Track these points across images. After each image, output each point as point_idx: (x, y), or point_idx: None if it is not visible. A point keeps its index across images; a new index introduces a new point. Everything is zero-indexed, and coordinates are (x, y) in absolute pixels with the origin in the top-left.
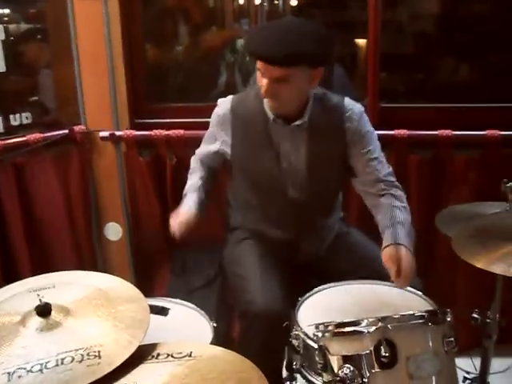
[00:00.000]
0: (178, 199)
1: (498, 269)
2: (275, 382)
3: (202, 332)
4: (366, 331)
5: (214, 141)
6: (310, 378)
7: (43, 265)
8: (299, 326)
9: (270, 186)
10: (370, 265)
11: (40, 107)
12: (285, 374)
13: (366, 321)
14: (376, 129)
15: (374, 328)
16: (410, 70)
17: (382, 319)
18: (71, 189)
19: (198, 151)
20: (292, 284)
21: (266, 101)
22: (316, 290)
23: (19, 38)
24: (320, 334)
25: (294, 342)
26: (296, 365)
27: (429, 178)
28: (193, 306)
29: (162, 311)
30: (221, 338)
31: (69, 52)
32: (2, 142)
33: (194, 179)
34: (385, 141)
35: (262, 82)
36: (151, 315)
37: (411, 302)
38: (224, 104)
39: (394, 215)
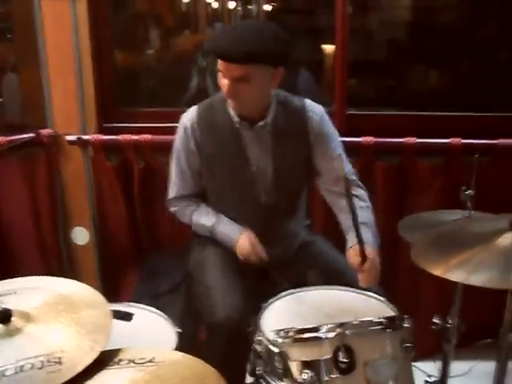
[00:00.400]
0: (145, 204)
1: (454, 276)
2: None
3: (166, 337)
4: (324, 337)
5: (187, 161)
6: (272, 383)
7: (9, 269)
8: (261, 332)
9: (240, 191)
10: (334, 277)
11: (5, 110)
12: (249, 379)
13: (325, 327)
14: (343, 136)
15: (332, 334)
16: (380, 77)
17: (341, 325)
18: (38, 192)
19: (176, 193)
20: (258, 290)
21: (229, 102)
22: (280, 295)
23: None
24: (280, 340)
25: (257, 348)
26: (259, 370)
27: (395, 185)
28: (157, 311)
29: (125, 316)
30: (186, 343)
31: (35, 54)
32: None
33: (203, 210)
34: (351, 148)
35: (224, 82)
36: (115, 321)
37: (373, 307)
38: (187, 119)
39: (357, 219)
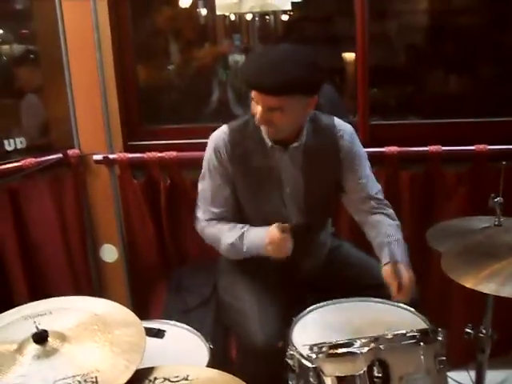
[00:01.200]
0: (172, 221)
1: (485, 288)
2: None
3: (198, 354)
4: (359, 352)
5: (215, 181)
6: None
7: (39, 289)
8: (294, 346)
9: (273, 210)
10: (367, 273)
11: (34, 131)
12: None
13: (358, 342)
14: (366, 146)
15: (366, 349)
16: (400, 84)
17: (375, 340)
18: (66, 212)
19: (207, 216)
20: (289, 304)
21: (263, 128)
22: (310, 308)
23: (13, 60)
24: (314, 356)
25: (290, 362)
26: None
27: (420, 194)
28: (188, 327)
29: (157, 334)
30: (217, 358)
31: (61, 75)
32: None
33: (233, 229)
34: (375, 158)
35: (257, 109)
36: (147, 338)
37: (405, 319)
38: (218, 139)
39: (389, 234)
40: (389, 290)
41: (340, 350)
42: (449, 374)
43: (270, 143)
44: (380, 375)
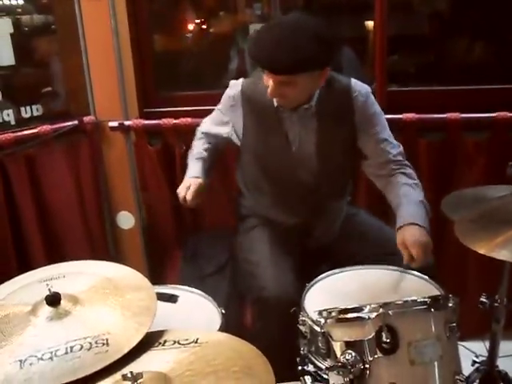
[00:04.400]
0: None
1: (500, 255)
2: (291, 366)
3: (211, 319)
4: (367, 317)
5: (224, 124)
6: (316, 363)
7: (56, 254)
8: (306, 312)
9: (280, 170)
10: (381, 245)
11: (50, 99)
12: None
13: (368, 307)
14: (384, 113)
15: (375, 314)
16: (424, 52)
17: (384, 305)
18: (82, 179)
19: (205, 126)
20: (303, 270)
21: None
22: (324, 275)
23: (32, 30)
24: (323, 321)
25: (301, 328)
26: (303, 350)
27: (438, 162)
28: (202, 293)
29: (171, 299)
30: (231, 325)
31: (77, 43)
32: (13, 135)
33: (199, 148)
34: (393, 125)
35: (268, 82)
36: (161, 303)
37: (419, 286)
38: (235, 86)
39: (406, 193)
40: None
41: (349, 315)
42: (464, 343)
43: (276, 103)
44: (388, 341)
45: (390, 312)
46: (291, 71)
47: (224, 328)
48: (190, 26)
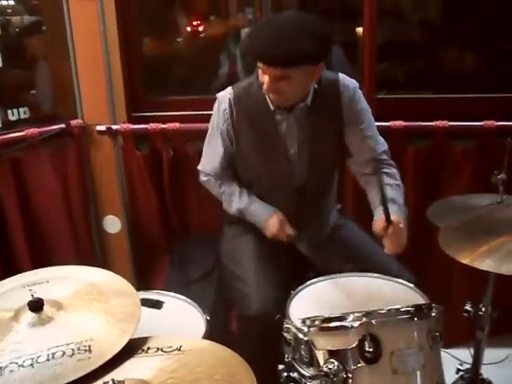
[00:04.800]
0: (175, 192)
1: (483, 265)
2: (275, 373)
3: (195, 325)
4: (350, 326)
5: (222, 141)
6: (300, 370)
7: (42, 258)
8: (290, 319)
9: (276, 174)
10: (370, 257)
11: (38, 102)
12: (280, 366)
13: (351, 316)
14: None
15: (358, 323)
16: (413, 59)
17: (367, 314)
18: (69, 183)
19: (207, 168)
20: (289, 276)
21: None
22: (309, 282)
23: (21, 31)
24: (306, 329)
25: (286, 335)
26: (288, 357)
27: (425, 169)
28: (187, 299)
29: (156, 304)
30: (216, 331)
31: (65, 46)
32: (0, 138)
33: (238, 190)
34: (381, 132)
35: (264, 78)
36: (146, 309)
37: (403, 295)
38: (224, 98)
39: (385, 193)
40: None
41: (332, 324)
42: (449, 351)
43: (272, 107)
44: (371, 350)
45: (373, 321)
46: (287, 64)
47: (208, 335)
48: (181, 30)
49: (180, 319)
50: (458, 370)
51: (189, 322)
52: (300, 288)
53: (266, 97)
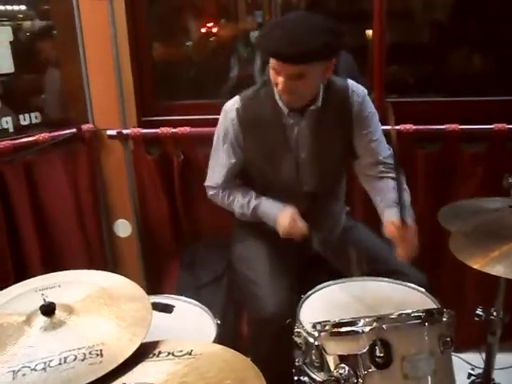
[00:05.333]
0: (185, 196)
1: (494, 270)
2: (286, 378)
3: (206, 329)
4: (361, 331)
5: (231, 150)
6: (311, 374)
7: (54, 262)
8: (301, 324)
9: (288, 182)
10: (379, 258)
11: (49, 106)
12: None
13: (362, 321)
14: (382, 124)
15: (369, 328)
16: (423, 62)
17: (378, 319)
18: (80, 187)
19: (213, 181)
20: (301, 279)
21: (278, 96)
22: (320, 286)
23: (32, 36)
24: (317, 334)
25: (296, 340)
26: (298, 361)
27: (436, 173)
28: (197, 303)
29: (166, 309)
30: (226, 335)
31: (76, 50)
32: (12, 142)
33: (247, 195)
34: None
35: (278, 79)
36: (156, 313)
37: (414, 299)
38: (231, 109)
39: (393, 198)
40: (399, 276)
41: (343, 329)
42: (461, 355)
43: (286, 110)
44: (382, 355)
45: (383, 326)
46: (304, 60)
47: (219, 339)
48: (191, 34)
49: (191, 323)
50: (470, 375)
51: (199, 326)
52: (310, 292)
53: (278, 101)
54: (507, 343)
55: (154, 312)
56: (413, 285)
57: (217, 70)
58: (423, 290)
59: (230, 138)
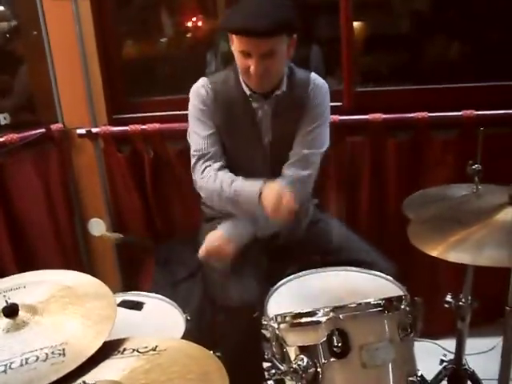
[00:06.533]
0: (158, 193)
1: (451, 257)
2: (257, 373)
3: (175, 325)
4: (319, 321)
5: (206, 122)
6: (279, 366)
7: (28, 264)
8: (268, 316)
9: (252, 165)
10: (348, 249)
11: (18, 107)
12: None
13: (321, 311)
14: (352, 113)
15: (326, 318)
16: (399, 51)
17: (335, 309)
18: (52, 187)
19: (197, 153)
20: (269, 272)
21: (242, 80)
22: (288, 278)
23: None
24: (276, 326)
25: (265, 332)
26: (267, 354)
27: (406, 162)
28: (167, 299)
29: (136, 306)
30: (203, 330)
31: (42, 49)
32: None
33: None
34: (360, 125)
35: (248, 62)
36: (126, 310)
37: (383, 287)
38: (201, 89)
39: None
40: (368, 266)
41: (303, 320)
42: (437, 341)
43: (248, 92)
44: (339, 344)
45: (340, 316)
46: (274, 32)
47: (188, 334)
48: (166, 31)
49: (160, 320)
50: (442, 361)
51: (169, 322)
52: (278, 284)
53: (243, 84)
54: (480, 328)
55: (124, 309)
56: (381, 273)
57: (193, 66)
58: (391, 278)
59: (203, 108)
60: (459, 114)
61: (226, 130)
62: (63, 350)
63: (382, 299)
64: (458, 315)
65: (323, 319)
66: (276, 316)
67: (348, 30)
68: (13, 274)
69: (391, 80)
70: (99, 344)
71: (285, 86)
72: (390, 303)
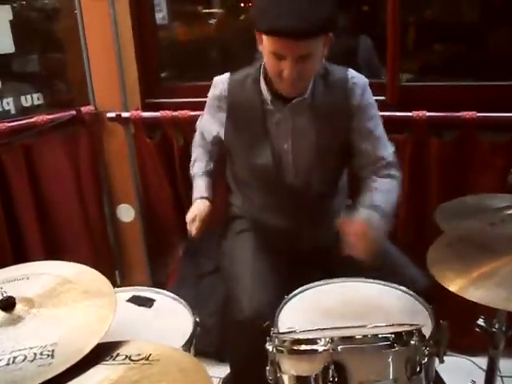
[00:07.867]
0: (186, 179)
1: (473, 296)
2: None
3: (183, 327)
4: (317, 351)
5: (213, 123)
6: None
7: (55, 247)
8: (277, 329)
9: (265, 172)
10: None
11: (51, 88)
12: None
13: (323, 340)
14: (394, 110)
15: (323, 348)
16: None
17: (335, 340)
18: (81, 170)
19: (200, 128)
20: (289, 278)
21: (263, 84)
22: (306, 287)
23: (34, 16)
24: (270, 349)
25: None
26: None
27: (451, 164)
28: (179, 298)
29: (146, 303)
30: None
31: (77, 32)
32: (10, 124)
33: (202, 159)
34: (403, 122)
35: (280, 66)
36: (135, 306)
37: (403, 304)
38: (221, 84)
39: (374, 199)
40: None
41: (302, 347)
42: (473, 359)
43: (269, 98)
44: (335, 380)
45: (338, 348)
46: (314, 34)
47: (194, 337)
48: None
49: (167, 320)
50: None
51: (176, 324)
52: (295, 293)
53: (262, 88)
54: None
55: (133, 306)
56: (404, 288)
57: (243, 51)
58: (413, 293)
59: (216, 104)
60: (510, 115)
61: (239, 131)
62: (52, 351)
63: (391, 333)
64: (491, 342)
65: (320, 349)
66: (274, 337)
67: (394, 20)
68: (39, 257)
69: (446, 74)
70: (91, 347)
71: (309, 92)
72: (399, 337)
